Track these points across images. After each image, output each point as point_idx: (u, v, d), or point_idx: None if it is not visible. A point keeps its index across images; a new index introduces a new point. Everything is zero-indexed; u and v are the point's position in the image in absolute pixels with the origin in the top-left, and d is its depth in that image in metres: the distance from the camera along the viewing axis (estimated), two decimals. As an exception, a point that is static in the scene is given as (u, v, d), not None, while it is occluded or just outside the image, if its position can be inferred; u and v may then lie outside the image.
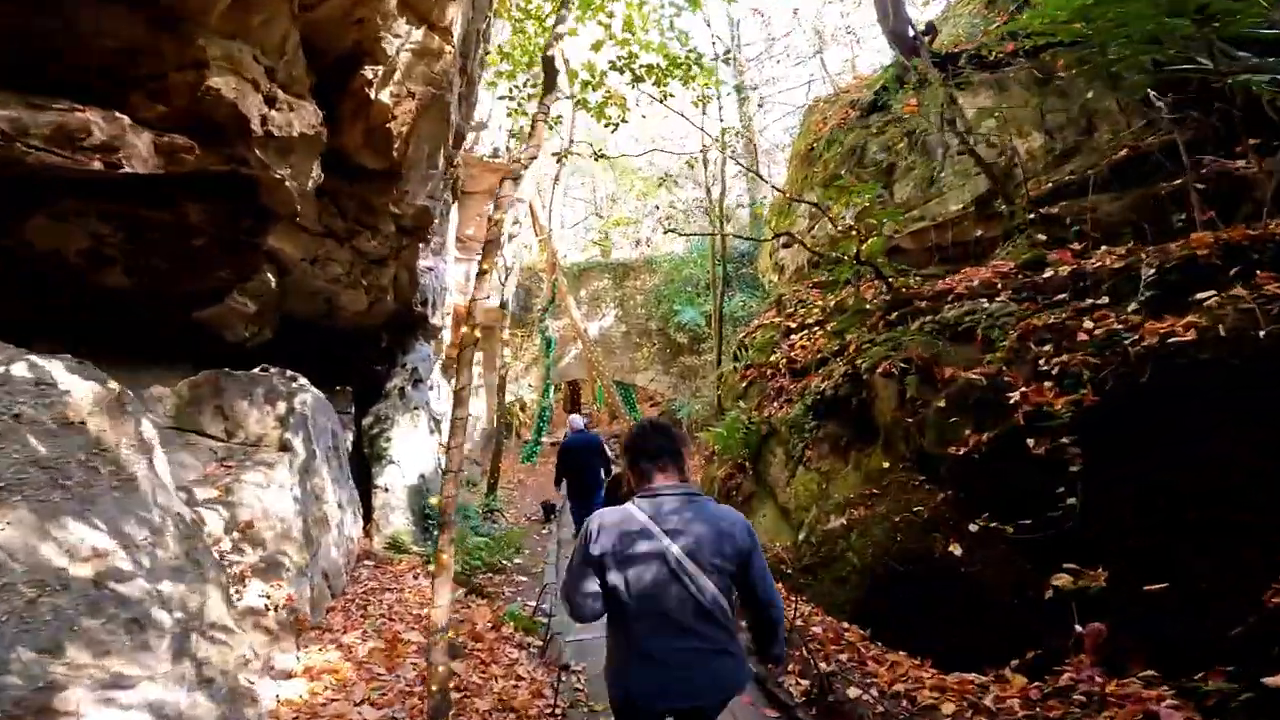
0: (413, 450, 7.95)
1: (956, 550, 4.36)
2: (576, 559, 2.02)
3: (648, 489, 2.05)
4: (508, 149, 14.68)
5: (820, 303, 8.51)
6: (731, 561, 1.94)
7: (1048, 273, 5.34)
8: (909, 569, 4.78)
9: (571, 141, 13.16)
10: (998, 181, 7.19)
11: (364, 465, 7.83)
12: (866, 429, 6.03)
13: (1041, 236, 6.03)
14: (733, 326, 15.27)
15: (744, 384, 9.29)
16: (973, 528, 4.33)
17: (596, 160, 8.92)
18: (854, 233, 6.74)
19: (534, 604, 6.79)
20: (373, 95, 4.83)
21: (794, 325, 8.48)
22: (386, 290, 7.37)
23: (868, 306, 6.87)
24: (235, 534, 4.15)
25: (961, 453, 4.44)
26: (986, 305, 5.29)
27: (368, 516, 7.67)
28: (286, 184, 4.42)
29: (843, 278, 7.15)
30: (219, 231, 4.62)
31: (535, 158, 5.22)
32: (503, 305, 11.98)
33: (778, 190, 9.91)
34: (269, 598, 4.10)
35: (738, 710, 3.47)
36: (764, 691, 4.34)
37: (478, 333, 4.18)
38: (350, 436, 8.20)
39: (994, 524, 4.17)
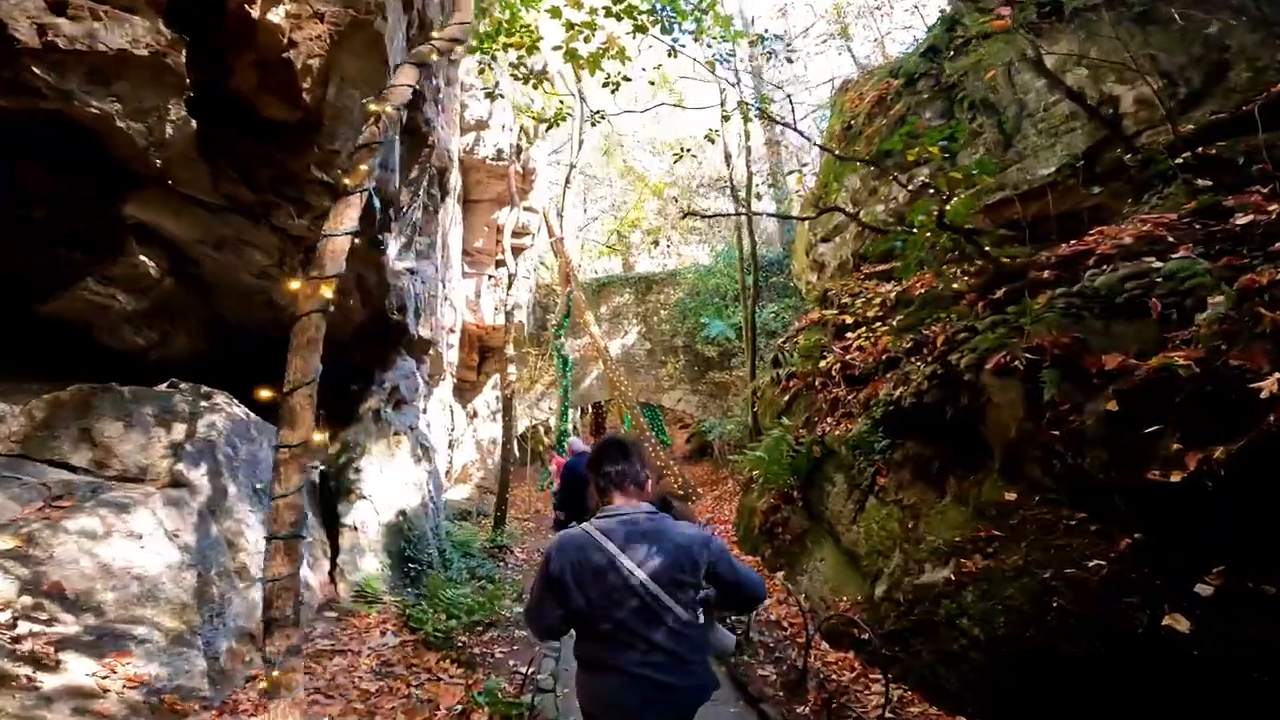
0: (390, 483, 6.46)
1: (1180, 624, 2.61)
2: (537, 581, 2.02)
3: (606, 510, 2.03)
4: (515, 148, 13.43)
5: (881, 294, 6.83)
6: (693, 575, 1.89)
7: (1242, 218, 3.62)
8: (1086, 648, 3.04)
9: (582, 105, 11.87)
10: (1116, 130, 5.49)
11: (331, 501, 6.36)
12: (971, 447, 4.32)
13: (1205, 181, 4.31)
14: (766, 339, 13.60)
15: (786, 397, 7.61)
16: (1202, 590, 2.60)
17: (594, 125, 7.45)
18: (931, 193, 5.10)
19: (527, 671, 5.15)
20: (255, 14, 3.44)
21: (849, 322, 6.80)
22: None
23: (955, 287, 5.19)
24: (31, 597, 2.69)
25: (1174, 479, 2.71)
26: (1157, 265, 3.58)
27: (336, 560, 6.18)
28: (120, 124, 3.04)
29: (914, 257, 5.51)
30: (62, 199, 3.27)
31: (459, 40, 3.75)
32: (508, 316, 10.58)
33: (823, 149, 8.32)
34: (104, 676, 2.93)
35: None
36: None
37: (326, 290, 2.70)
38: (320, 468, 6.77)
39: (1249, 583, 2.44)
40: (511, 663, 5.64)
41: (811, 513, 6.27)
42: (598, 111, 6.84)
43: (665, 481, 17.51)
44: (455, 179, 12.13)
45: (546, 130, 7.17)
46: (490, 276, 14.47)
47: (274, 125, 3.99)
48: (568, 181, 15.13)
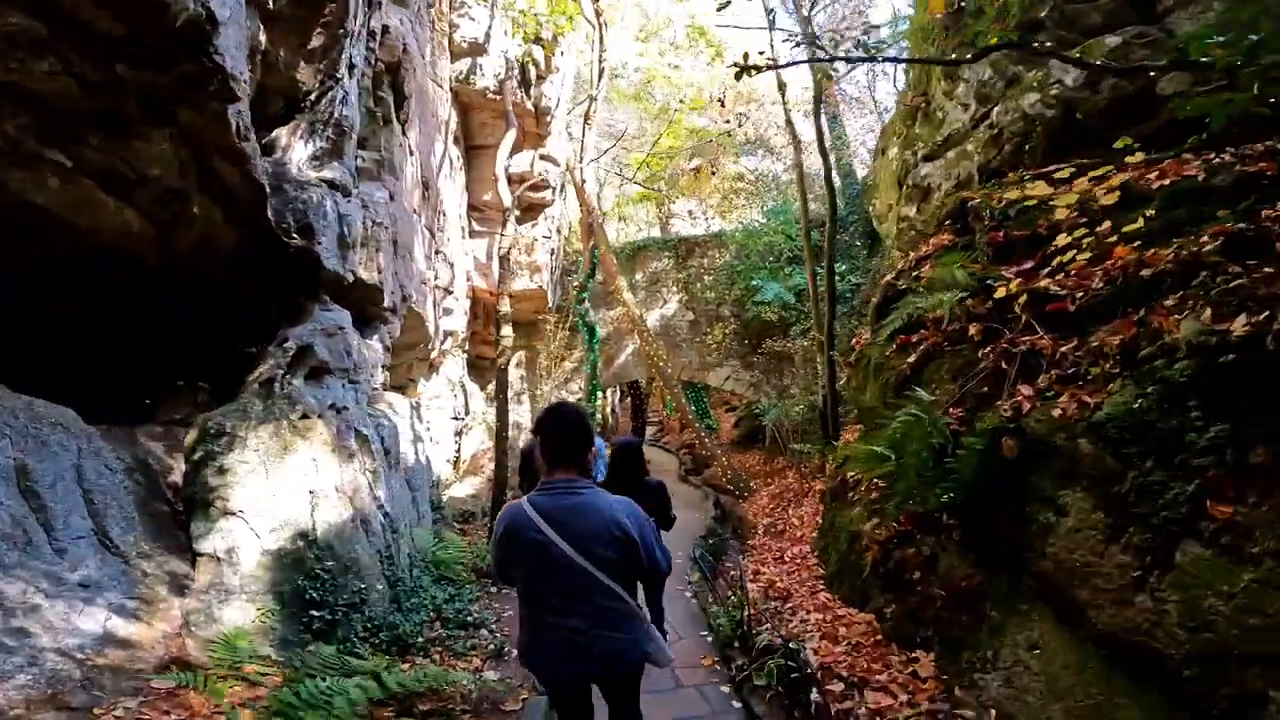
0: (282, 490, 3.89)
1: None
2: (492, 545, 2.18)
3: (544, 484, 2.05)
4: (519, 65, 10.72)
5: (1114, 181, 3.85)
6: (614, 549, 1.96)
7: None
8: None
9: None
10: None
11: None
12: None
13: None
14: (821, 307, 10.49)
15: (912, 359, 4.67)
16: None
17: None
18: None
19: None
20: None
21: (1043, 230, 3.85)
22: (183, 195, 3.41)
23: None
24: None
25: None
26: None
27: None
28: None
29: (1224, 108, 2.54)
30: None
31: None
32: (503, 262, 7.94)
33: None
34: None
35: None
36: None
37: None
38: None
39: None
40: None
41: (990, 555, 3.37)
42: None
43: (711, 472, 14.75)
44: (443, 108, 9.52)
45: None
46: (503, 236, 11.84)
47: None
48: (588, 118, 12.31)
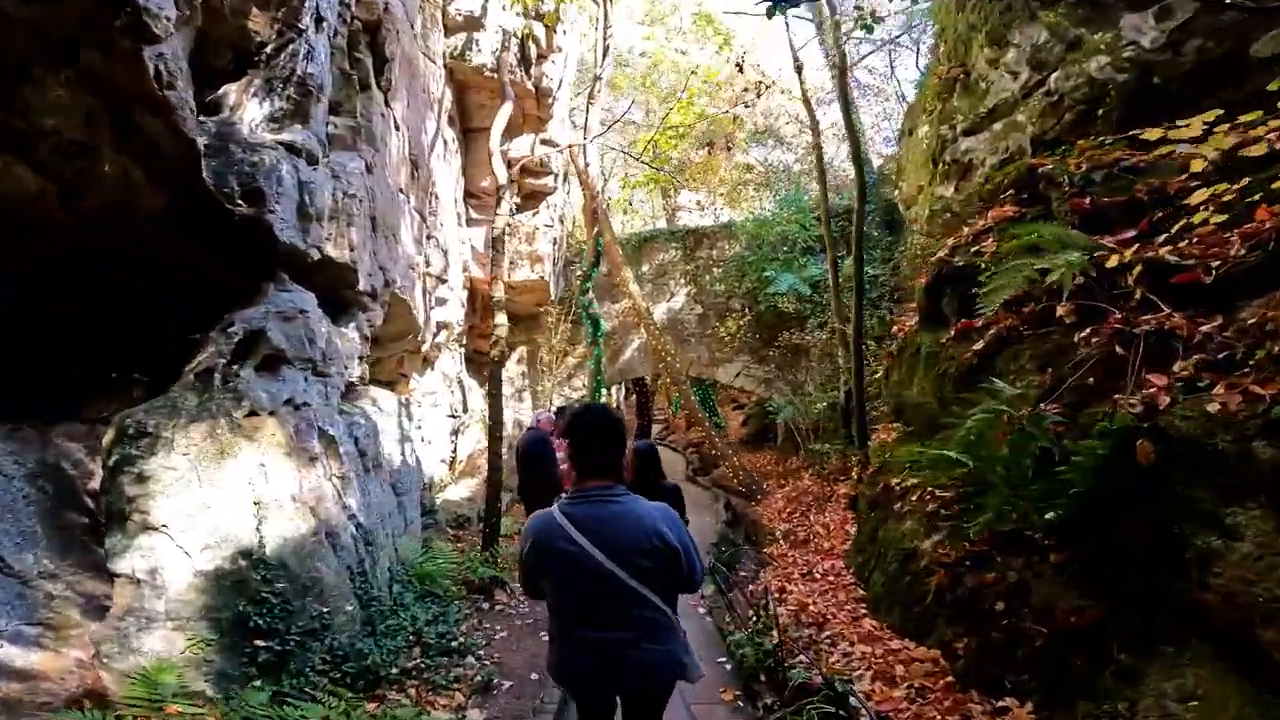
0: (216, 500, 3.17)
1: None
2: (520, 557, 2.05)
3: (578, 491, 1.98)
4: (517, 38, 9.99)
5: (1260, 132, 3.09)
6: (652, 558, 1.87)
7: None
8: None
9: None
10: None
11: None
12: None
13: None
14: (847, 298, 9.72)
15: (978, 346, 3.92)
16: None
17: None
18: None
19: None
20: None
21: (1174, 181, 3.11)
22: (96, 152, 2.78)
23: None
24: None
25: None
26: None
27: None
28: None
29: None
30: None
31: None
32: (496, 245, 7.22)
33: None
34: None
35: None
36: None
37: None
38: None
39: None
40: None
41: (1111, 585, 2.62)
42: None
43: (720, 472, 14.01)
44: (436, 84, 8.78)
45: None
46: (498, 215, 11.10)
47: None
48: (591, 96, 11.57)
